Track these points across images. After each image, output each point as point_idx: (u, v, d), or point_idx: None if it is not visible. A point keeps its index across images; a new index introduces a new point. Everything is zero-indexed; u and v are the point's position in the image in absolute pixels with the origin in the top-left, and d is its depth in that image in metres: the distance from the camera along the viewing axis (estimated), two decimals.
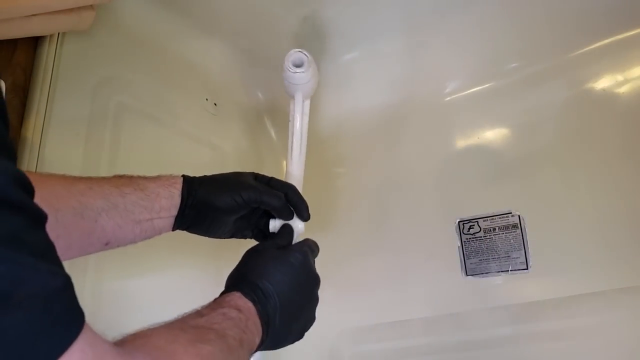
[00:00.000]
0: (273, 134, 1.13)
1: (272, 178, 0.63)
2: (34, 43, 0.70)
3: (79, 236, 0.47)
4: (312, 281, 0.58)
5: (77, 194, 0.47)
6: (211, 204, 0.56)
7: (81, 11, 0.69)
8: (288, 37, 1.00)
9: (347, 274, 1.01)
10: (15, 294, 0.25)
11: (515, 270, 0.87)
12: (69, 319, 0.28)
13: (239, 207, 0.58)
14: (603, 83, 0.88)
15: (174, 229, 0.57)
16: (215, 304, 0.47)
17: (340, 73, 1.06)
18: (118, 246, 0.52)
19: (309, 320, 0.59)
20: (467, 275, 0.90)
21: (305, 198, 0.65)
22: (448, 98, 1.00)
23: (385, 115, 1.05)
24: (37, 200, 0.35)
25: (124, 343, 0.35)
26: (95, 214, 0.48)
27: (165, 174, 0.57)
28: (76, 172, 0.68)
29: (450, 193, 0.95)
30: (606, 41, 0.88)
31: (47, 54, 0.70)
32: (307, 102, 0.72)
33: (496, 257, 0.89)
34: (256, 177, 0.62)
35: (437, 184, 0.97)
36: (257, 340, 0.48)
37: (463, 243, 0.92)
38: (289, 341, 0.56)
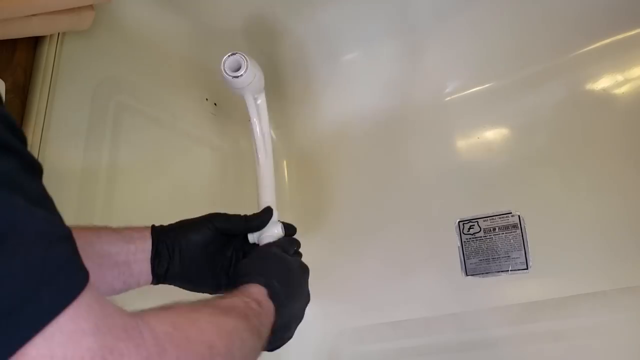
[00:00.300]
0: (273, 134, 1.13)
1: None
2: (34, 43, 0.70)
3: None
4: (304, 278, 0.60)
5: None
6: (183, 239, 0.57)
7: (81, 11, 0.69)
8: (288, 37, 1.00)
9: (347, 274, 1.01)
10: (9, 236, 0.23)
11: (515, 270, 0.87)
12: (73, 270, 0.27)
13: (211, 237, 0.59)
14: (603, 83, 0.88)
15: (154, 279, 0.56)
16: (238, 291, 0.47)
17: (339, 74, 1.06)
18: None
19: (301, 318, 0.59)
20: (467, 275, 0.90)
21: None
22: (448, 98, 1.00)
23: (385, 115, 1.05)
24: None
25: (143, 313, 0.33)
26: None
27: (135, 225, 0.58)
28: (76, 172, 0.69)
29: (450, 193, 0.95)
30: (606, 41, 0.88)
31: (47, 54, 0.70)
32: (261, 97, 0.71)
33: (496, 257, 0.89)
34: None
35: (437, 184, 0.97)
36: (267, 339, 0.48)
37: (463, 243, 0.92)
38: (284, 342, 0.56)
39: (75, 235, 0.44)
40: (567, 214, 0.85)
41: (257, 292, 0.48)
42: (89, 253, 0.47)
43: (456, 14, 0.94)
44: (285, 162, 1.13)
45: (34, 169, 0.28)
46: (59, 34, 0.71)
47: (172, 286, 0.58)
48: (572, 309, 0.82)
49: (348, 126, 1.08)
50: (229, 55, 0.64)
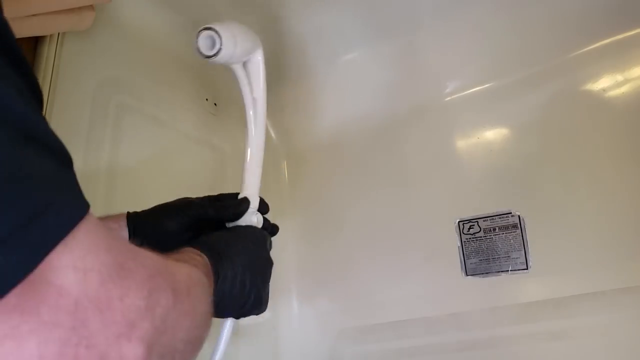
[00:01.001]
0: (273, 134, 1.13)
1: (220, 194, 0.65)
2: (34, 43, 0.70)
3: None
4: (267, 261, 0.61)
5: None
6: (158, 227, 0.58)
7: (81, 11, 0.69)
8: (288, 37, 1.00)
9: (347, 274, 1.01)
10: (36, 138, 0.24)
11: (515, 270, 0.87)
12: (80, 191, 0.28)
13: (187, 225, 0.59)
14: (603, 83, 0.88)
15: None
16: (176, 252, 0.47)
17: (339, 74, 1.06)
18: None
19: (264, 295, 0.59)
20: (467, 275, 0.91)
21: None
22: (448, 98, 1.00)
23: (384, 115, 1.05)
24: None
25: None
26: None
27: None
28: (76, 173, 0.69)
29: (450, 193, 0.95)
30: (606, 41, 0.88)
31: (47, 54, 0.70)
32: (255, 56, 0.64)
33: (496, 257, 0.89)
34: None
35: (437, 184, 0.97)
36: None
37: (463, 243, 0.92)
38: (247, 308, 0.56)
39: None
40: (567, 214, 0.85)
41: (193, 252, 0.48)
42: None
43: (456, 14, 0.94)
44: (285, 162, 1.13)
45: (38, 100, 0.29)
46: (59, 34, 0.71)
47: None
48: (572, 309, 0.82)
49: (348, 126, 1.08)
50: (201, 36, 0.56)
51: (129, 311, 0.27)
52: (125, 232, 0.56)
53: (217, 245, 0.51)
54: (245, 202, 0.64)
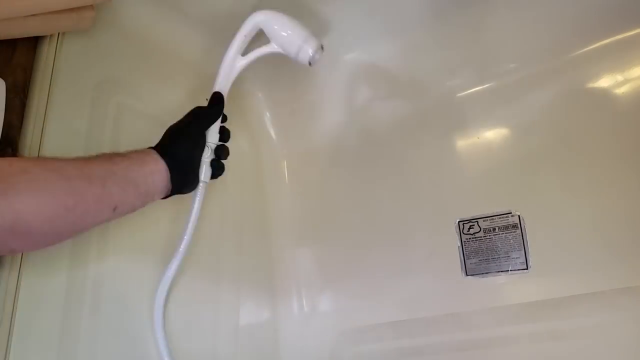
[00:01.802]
0: (273, 134, 1.13)
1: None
2: (34, 43, 0.70)
3: (92, 200, 0.51)
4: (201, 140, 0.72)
5: (79, 165, 0.52)
6: (183, 152, 0.68)
7: (81, 11, 0.69)
8: None
9: (347, 274, 1.01)
10: None
11: (515, 270, 0.87)
12: None
13: (200, 144, 0.73)
14: (603, 83, 0.88)
15: (166, 194, 0.64)
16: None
17: (339, 73, 1.06)
18: (123, 212, 0.57)
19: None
20: (467, 275, 0.91)
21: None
22: (448, 98, 1.00)
23: (384, 115, 1.05)
24: (48, 171, 0.47)
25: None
26: (101, 181, 0.53)
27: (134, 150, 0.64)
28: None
29: (450, 193, 0.96)
30: (606, 41, 0.88)
31: (47, 54, 0.70)
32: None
33: (496, 257, 0.89)
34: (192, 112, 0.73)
35: (436, 184, 0.97)
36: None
37: (463, 243, 0.92)
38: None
39: (100, 166, 0.54)
40: (567, 214, 0.85)
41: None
42: (115, 180, 0.55)
43: (456, 14, 0.94)
44: (285, 162, 1.13)
45: None
46: (59, 34, 0.71)
47: None
48: (572, 309, 0.82)
49: (348, 126, 1.08)
50: (319, 50, 0.74)
51: None
52: (161, 165, 0.62)
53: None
54: (219, 96, 0.76)
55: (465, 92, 0.99)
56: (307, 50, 0.73)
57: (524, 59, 0.94)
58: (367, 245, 1.00)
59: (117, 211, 0.55)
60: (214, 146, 0.74)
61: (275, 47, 0.75)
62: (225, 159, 0.76)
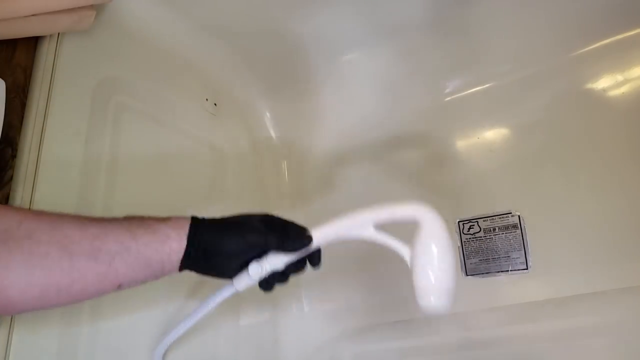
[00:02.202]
0: (273, 134, 1.13)
1: (287, 222, 0.61)
2: (34, 43, 0.70)
3: (93, 280, 0.47)
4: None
5: (90, 237, 0.47)
6: (216, 248, 0.55)
7: (81, 11, 0.69)
8: (288, 37, 1.00)
9: (347, 274, 1.01)
10: None
11: (515, 270, 0.87)
12: None
13: (244, 252, 0.57)
14: (603, 83, 0.88)
15: (180, 269, 0.55)
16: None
17: (339, 74, 1.06)
18: (129, 287, 0.52)
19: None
20: (467, 275, 0.90)
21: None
22: (448, 98, 1.00)
23: (384, 115, 1.05)
24: (53, 243, 0.44)
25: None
26: (110, 258, 0.48)
27: (176, 215, 0.55)
28: (76, 172, 0.69)
29: (450, 193, 0.95)
30: (606, 41, 0.88)
31: (47, 54, 0.70)
32: None
33: (496, 257, 0.89)
34: (269, 220, 0.59)
35: (437, 184, 0.97)
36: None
37: (463, 243, 0.92)
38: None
39: (116, 240, 0.49)
40: (567, 214, 0.85)
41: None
42: (126, 257, 0.49)
43: (456, 14, 0.94)
44: (285, 163, 1.13)
45: None
46: (59, 34, 0.71)
47: None
48: (572, 309, 0.82)
49: (347, 126, 1.08)
50: None
51: None
52: (183, 244, 0.53)
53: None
54: (309, 239, 0.60)
55: (465, 92, 0.99)
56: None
57: (524, 59, 0.94)
58: (367, 244, 1.00)
59: (122, 288, 0.50)
60: (270, 270, 0.58)
61: (406, 256, 0.59)
62: (273, 286, 0.61)
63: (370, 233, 0.61)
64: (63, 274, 0.44)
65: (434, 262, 0.54)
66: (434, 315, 0.54)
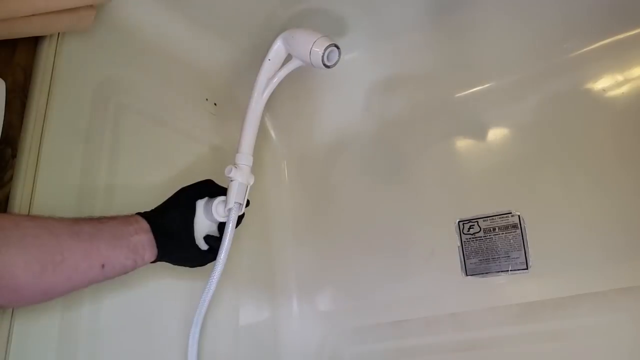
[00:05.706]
0: (273, 134, 1.13)
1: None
2: (34, 43, 0.70)
3: (80, 257, 0.53)
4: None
5: (69, 223, 0.55)
6: (181, 222, 0.69)
7: (81, 11, 0.69)
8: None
9: (347, 274, 1.01)
10: None
11: (515, 270, 0.87)
12: None
13: (189, 205, 0.72)
14: (603, 83, 0.88)
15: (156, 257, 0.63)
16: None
17: (339, 74, 1.05)
18: (113, 271, 0.58)
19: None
20: (467, 275, 0.91)
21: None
22: (448, 98, 1.00)
23: (384, 115, 1.05)
24: (40, 228, 0.51)
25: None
26: (89, 237, 0.55)
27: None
28: (76, 172, 0.69)
29: (450, 193, 0.96)
30: (606, 41, 0.88)
31: (47, 54, 0.70)
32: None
33: (496, 257, 0.89)
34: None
35: (437, 184, 0.97)
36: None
37: (463, 243, 0.92)
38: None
39: (88, 224, 0.56)
40: (567, 214, 0.85)
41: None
42: (103, 235, 0.57)
43: (456, 14, 0.93)
44: (285, 163, 1.13)
45: None
46: (59, 34, 0.71)
47: None
48: (572, 309, 0.82)
49: (348, 126, 1.08)
50: (328, 47, 0.72)
51: None
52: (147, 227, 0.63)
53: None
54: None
55: (465, 92, 0.99)
56: (317, 52, 0.73)
57: (524, 59, 0.94)
58: (367, 245, 1.00)
59: (106, 269, 0.56)
60: (216, 222, 0.73)
61: (296, 63, 0.76)
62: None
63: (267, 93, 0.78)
64: (54, 250, 0.51)
65: (303, 40, 0.74)
66: (336, 59, 0.74)
